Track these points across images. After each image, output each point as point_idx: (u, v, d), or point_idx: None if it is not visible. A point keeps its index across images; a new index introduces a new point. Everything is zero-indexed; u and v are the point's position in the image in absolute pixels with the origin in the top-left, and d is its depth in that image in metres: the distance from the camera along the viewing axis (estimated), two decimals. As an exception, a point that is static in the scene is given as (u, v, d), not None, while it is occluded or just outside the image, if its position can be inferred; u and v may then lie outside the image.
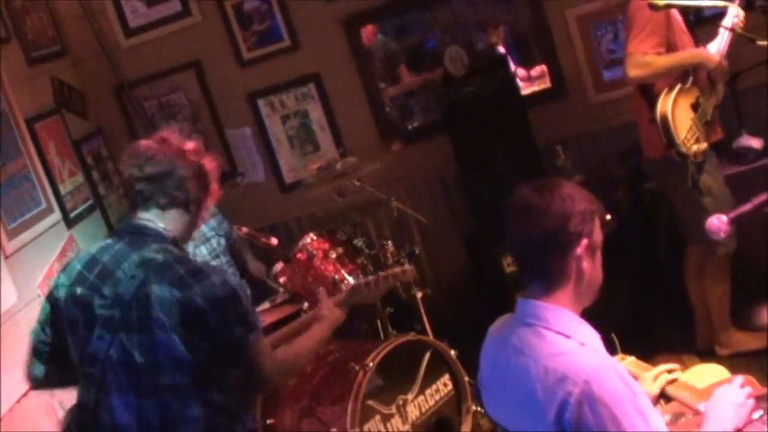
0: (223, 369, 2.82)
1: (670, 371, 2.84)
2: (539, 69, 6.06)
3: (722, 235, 2.95)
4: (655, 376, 2.84)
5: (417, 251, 4.94)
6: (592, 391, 2.17)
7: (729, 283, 4.74)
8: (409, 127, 6.15)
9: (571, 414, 2.18)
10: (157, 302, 2.73)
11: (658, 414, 2.42)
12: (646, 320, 5.07)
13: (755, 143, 5.10)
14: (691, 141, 4.32)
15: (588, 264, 2.37)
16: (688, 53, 4.38)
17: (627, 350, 3.30)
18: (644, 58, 4.26)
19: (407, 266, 4.10)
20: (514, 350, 2.38)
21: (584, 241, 2.34)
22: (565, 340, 2.31)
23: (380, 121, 5.96)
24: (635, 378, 2.86)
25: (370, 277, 3.81)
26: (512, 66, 5.94)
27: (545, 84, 5.90)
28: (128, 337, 2.76)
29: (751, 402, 2.50)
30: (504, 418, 2.48)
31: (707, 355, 4.74)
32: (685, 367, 2.96)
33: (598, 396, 2.17)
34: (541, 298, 2.39)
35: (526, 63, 6.15)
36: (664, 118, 4.28)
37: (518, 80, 5.92)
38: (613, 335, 3.44)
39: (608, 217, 4.56)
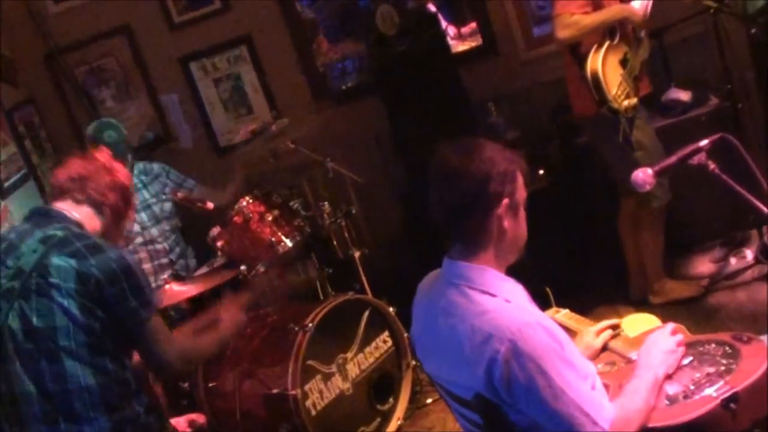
0: (120, 342, 2.88)
1: (614, 328, 2.88)
2: (470, 27, 6.05)
3: (647, 187, 2.98)
4: (599, 331, 2.88)
5: (353, 211, 4.96)
6: (518, 347, 2.20)
7: (663, 234, 4.82)
8: (343, 87, 6.11)
9: (500, 372, 2.21)
10: (54, 270, 2.81)
11: (589, 364, 2.46)
12: (580, 273, 5.15)
13: (684, 96, 5.16)
14: (622, 97, 4.36)
15: (509, 223, 2.39)
16: (613, 9, 4.40)
17: (562, 303, 3.36)
18: (571, 18, 4.28)
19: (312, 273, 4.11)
20: (442, 311, 2.40)
21: (505, 201, 2.36)
22: (490, 298, 2.34)
23: (313, 83, 5.93)
24: (572, 332, 2.93)
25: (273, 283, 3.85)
26: (443, 24, 5.92)
27: (476, 41, 5.90)
28: (27, 304, 2.82)
29: (682, 349, 2.55)
30: (437, 374, 2.51)
31: (641, 304, 4.82)
32: (619, 316, 3.01)
33: (525, 351, 2.20)
34: (465, 259, 2.41)
35: (457, 21, 6.12)
36: (595, 75, 4.31)
37: (449, 38, 5.91)
38: (547, 289, 3.49)
39: (541, 171, 4.65)
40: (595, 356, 2.81)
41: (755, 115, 5.45)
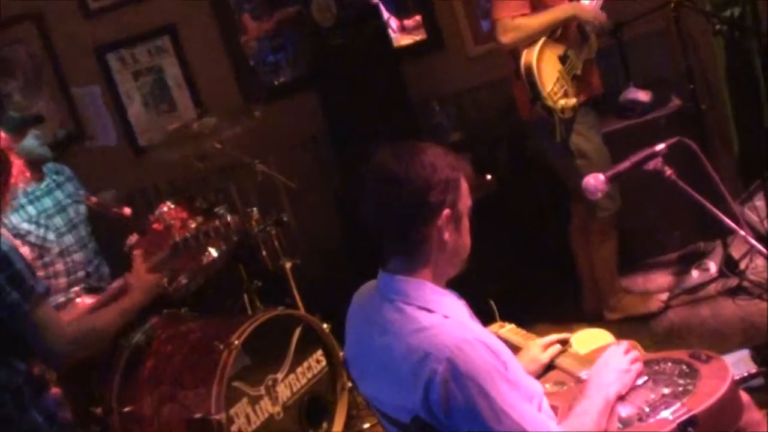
0: (5, 343, 2.83)
1: (563, 343, 2.91)
2: (414, 19, 6.07)
3: (599, 194, 3.03)
4: (546, 345, 2.91)
5: (285, 218, 4.93)
6: (456, 366, 2.20)
7: (615, 244, 4.86)
8: (275, 83, 6.10)
9: (438, 393, 2.21)
10: None
11: (536, 383, 2.48)
12: (529, 286, 5.20)
13: (642, 96, 5.22)
14: (558, 95, 4.38)
15: (450, 234, 2.40)
16: (559, 9, 4.43)
17: (508, 317, 3.37)
18: (513, 22, 4.32)
19: (226, 218, 4.06)
20: (378, 328, 2.41)
21: (446, 212, 2.37)
22: (427, 314, 2.34)
23: (243, 77, 5.91)
24: (517, 349, 2.95)
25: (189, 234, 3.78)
26: (384, 15, 5.94)
27: (420, 35, 5.92)
28: None
29: (636, 367, 2.58)
30: (374, 395, 2.51)
31: (596, 319, 4.87)
32: (571, 333, 3.04)
33: (464, 371, 2.20)
34: (401, 272, 2.42)
35: (400, 12, 6.14)
36: (529, 68, 4.33)
37: (391, 31, 5.92)
38: (492, 302, 3.51)
39: (488, 177, 4.68)
40: (540, 371, 2.84)
41: (719, 118, 5.54)
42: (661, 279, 5.22)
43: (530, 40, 4.37)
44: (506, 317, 3.38)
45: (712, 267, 5.08)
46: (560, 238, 5.02)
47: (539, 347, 2.91)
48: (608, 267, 4.90)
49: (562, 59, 4.45)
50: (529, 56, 4.33)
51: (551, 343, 2.92)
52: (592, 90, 4.65)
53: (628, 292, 5.01)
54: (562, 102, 4.37)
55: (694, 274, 5.12)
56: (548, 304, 5.17)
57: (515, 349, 2.96)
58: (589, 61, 4.60)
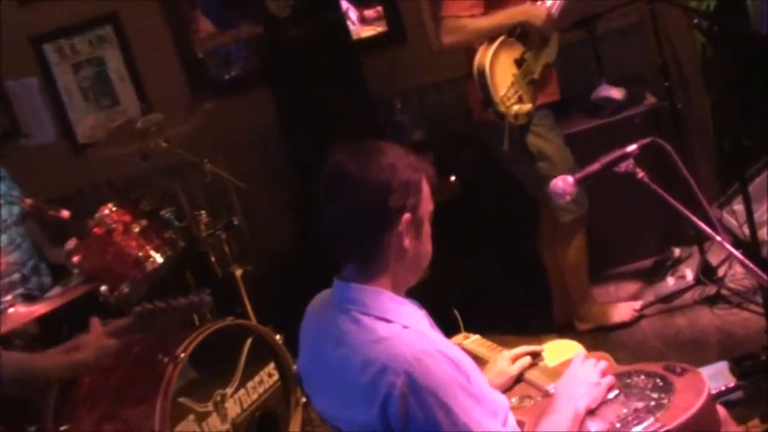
0: None
1: (534, 356, 2.94)
2: (375, 10, 6.08)
3: (568, 198, 3.05)
4: (515, 357, 2.93)
5: (236, 222, 4.92)
6: (415, 379, 2.20)
7: (584, 250, 4.89)
8: (226, 77, 6.07)
9: (396, 408, 2.21)
10: None
11: (501, 397, 2.50)
12: (497, 294, 5.24)
13: (616, 94, 5.25)
14: (512, 100, 4.38)
15: (411, 241, 2.40)
16: (510, 12, 4.43)
17: (474, 328, 3.39)
18: (458, 21, 4.34)
19: (205, 296, 4.08)
20: (333, 339, 2.41)
21: (406, 216, 2.37)
22: (385, 325, 2.34)
23: (191, 71, 5.90)
24: (482, 361, 2.97)
25: (159, 305, 3.77)
26: (343, 6, 5.95)
27: (381, 27, 5.93)
28: None
29: (607, 380, 2.61)
30: (328, 412, 2.51)
31: (566, 330, 4.93)
32: (540, 344, 3.07)
33: (424, 385, 2.20)
34: (358, 281, 2.42)
35: (360, 2, 6.16)
36: (481, 71, 4.32)
37: (350, 23, 5.93)
38: (456, 312, 3.51)
39: (452, 178, 4.69)
40: (508, 385, 2.86)
41: (697, 117, 5.60)
42: (634, 287, 5.27)
43: (471, 43, 4.40)
44: (471, 328, 3.39)
45: (689, 274, 5.14)
46: (528, 244, 5.06)
47: (507, 360, 2.93)
48: (577, 274, 4.94)
49: (519, 62, 4.44)
50: (483, 58, 4.32)
51: (520, 356, 2.94)
52: (549, 95, 4.66)
53: (599, 302, 5.05)
54: (515, 108, 4.38)
55: (670, 281, 5.18)
56: (516, 313, 5.19)
57: (481, 361, 2.98)
58: (549, 65, 4.60)
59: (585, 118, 5.21)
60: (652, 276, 5.29)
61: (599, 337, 4.80)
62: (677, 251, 5.36)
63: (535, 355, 2.95)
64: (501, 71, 4.36)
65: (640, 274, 5.36)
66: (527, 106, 4.42)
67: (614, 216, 5.22)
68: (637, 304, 5.00)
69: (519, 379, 2.90)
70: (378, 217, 2.36)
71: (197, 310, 3.89)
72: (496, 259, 5.29)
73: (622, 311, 4.96)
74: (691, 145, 5.41)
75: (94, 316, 3.61)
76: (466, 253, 5.00)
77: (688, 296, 4.99)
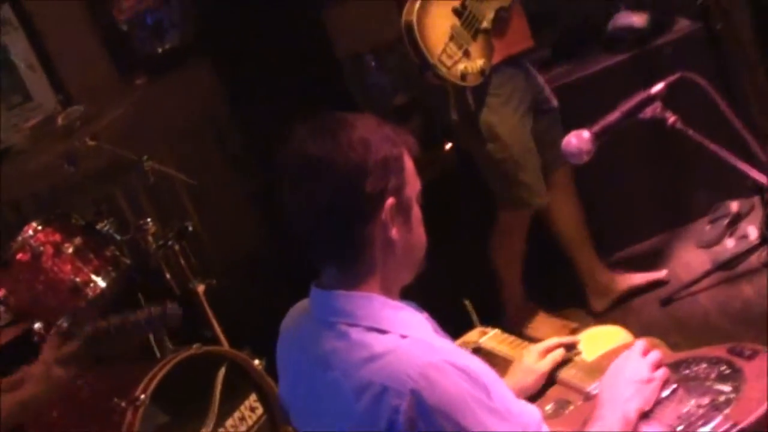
0: None
1: (569, 348, 2.95)
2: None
3: (585, 157, 3.03)
4: (545, 350, 2.95)
5: (190, 227, 4.90)
6: (423, 399, 2.19)
7: (523, 249, 5.02)
8: (159, 50, 6.07)
9: None
10: None
11: (530, 408, 2.50)
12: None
13: (638, 20, 5.21)
14: (455, 57, 4.39)
15: (399, 230, 2.38)
16: None
17: (491, 320, 3.41)
18: None
19: (171, 305, 4.09)
20: (317, 361, 2.40)
21: (389, 202, 2.34)
22: (379, 337, 2.32)
23: (115, 49, 5.89)
24: (504, 360, 2.98)
25: (113, 320, 3.76)
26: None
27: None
28: None
29: (661, 374, 2.60)
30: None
31: (601, 316, 5.01)
32: (573, 332, 3.07)
33: (434, 405, 2.19)
34: (340, 286, 2.40)
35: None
36: (409, 27, 4.35)
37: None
38: (466, 302, 3.53)
39: (447, 146, 4.70)
40: (539, 385, 2.88)
41: (740, 41, 5.58)
42: (688, 255, 5.29)
43: None
44: (487, 321, 3.41)
45: (752, 232, 5.12)
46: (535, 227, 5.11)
47: (536, 355, 2.94)
48: (511, 272, 5.07)
49: (458, 12, 4.43)
50: (409, 12, 4.34)
51: (552, 348, 2.95)
52: (514, 44, 4.65)
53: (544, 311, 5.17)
54: (461, 66, 4.37)
55: (729, 243, 5.18)
56: (540, 297, 5.25)
57: (504, 362, 3.00)
58: (505, 9, 4.55)
59: (602, 54, 5.20)
60: (707, 237, 5.29)
61: (647, 317, 4.85)
62: (734, 205, 5.34)
63: (570, 347, 2.96)
64: (434, 24, 4.36)
65: (691, 237, 5.40)
66: (477, 63, 4.41)
67: (650, 176, 5.30)
68: (661, 274, 5.10)
69: (552, 380, 2.91)
70: (355, 207, 2.33)
71: (163, 321, 3.90)
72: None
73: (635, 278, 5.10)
74: (735, 76, 5.39)
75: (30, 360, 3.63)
76: (471, 235, 5.03)
77: (754, 259, 4.95)
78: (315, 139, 2.33)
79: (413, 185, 2.42)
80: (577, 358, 2.94)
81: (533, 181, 4.68)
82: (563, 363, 2.94)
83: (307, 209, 2.35)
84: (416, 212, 2.44)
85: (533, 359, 2.93)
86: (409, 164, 2.41)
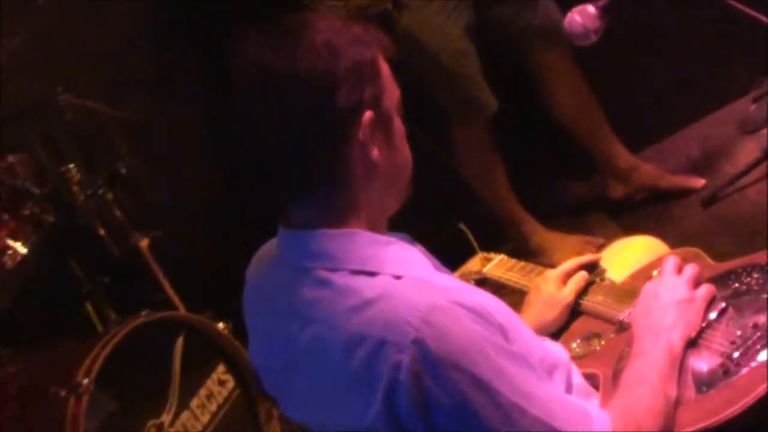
0: None
1: (590, 269, 2.97)
2: None
3: (593, 36, 3.05)
4: (564, 274, 2.98)
5: (123, 170, 4.88)
6: (430, 350, 2.17)
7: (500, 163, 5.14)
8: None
9: (407, 397, 2.19)
10: None
11: (555, 348, 2.49)
12: (516, 185, 5.33)
13: None
14: None
15: (381, 149, 2.37)
16: None
17: (494, 245, 3.41)
18: None
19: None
20: (295, 315, 2.40)
21: (367, 115, 2.33)
22: (368, 280, 2.32)
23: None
24: (516, 291, 2.98)
25: None
26: None
27: None
28: None
29: (704, 291, 2.61)
30: (306, 416, 2.52)
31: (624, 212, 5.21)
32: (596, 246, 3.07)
33: (442, 355, 2.17)
34: (316, 224, 2.39)
35: None
36: None
37: None
38: (462, 227, 3.52)
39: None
40: (564, 319, 2.92)
41: None
42: (730, 142, 5.30)
43: None
44: (489, 246, 3.40)
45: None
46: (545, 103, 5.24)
47: (554, 282, 2.96)
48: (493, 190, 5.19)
49: None
50: None
51: (572, 272, 2.97)
52: None
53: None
54: None
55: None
56: (545, 212, 5.42)
57: (515, 294, 3.00)
58: None
59: None
60: (750, 122, 5.29)
61: (687, 222, 4.92)
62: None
63: (593, 268, 2.97)
64: None
65: (731, 123, 5.40)
66: None
67: (676, 52, 5.36)
68: (701, 182, 5.15)
69: (576, 311, 2.92)
70: (327, 125, 2.31)
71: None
72: (506, 134, 5.36)
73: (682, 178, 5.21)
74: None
75: None
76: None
77: None
78: (270, 47, 2.32)
79: (391, 93, 2.42)
80: (601, 280, 2.94)
81: (475, 92, 4.83)
82: (586, 288, 2.95)
83: (269, 134, 2.34)
84: (398, 126, 2.45)
85: (553, 287, 2.95)
86: (385, 69, 2.41)
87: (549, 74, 5.08)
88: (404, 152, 2.47)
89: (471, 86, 4.82)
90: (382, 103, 2.38)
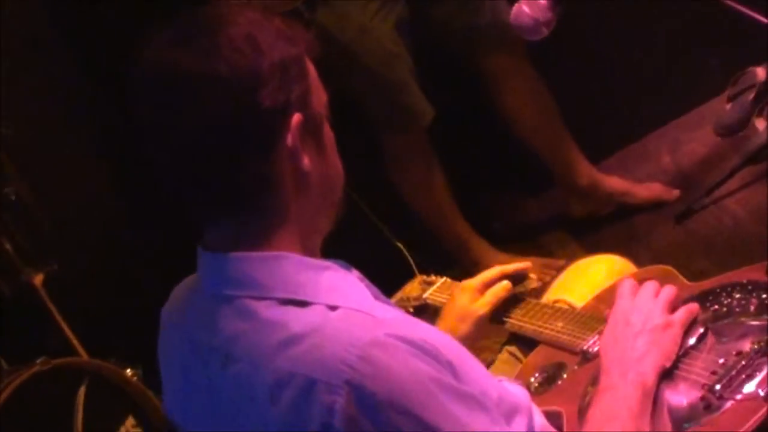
0: None
1: (516, 280, 2.98)
2: None
3: (544, 30, 3.07)
4: (484, 284, 3.00)
5: (12, 196, 4.86)
6: (366, 390, 2.14)
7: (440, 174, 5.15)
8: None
9: None
10: None
11: (515, 389, 2.48)
12: (465, 200, 5.37)
13: None
14: None
15: (312, 157, 2.34)
16: None
17: (434, 264, 3.39)
18: None
19: None
20: (215, 353, 2.37)
21: (296, 118, 2.29)
22: (298, 311, 2.28)
23: None
24: (460, 318, 2.96)
25: None
26: None
27: None
28: None
29: (681, 315, 2.60)
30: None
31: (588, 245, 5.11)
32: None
33: (383, 398, 2.14)
34: (238, 246, 2.36)
35: None
36: None
37: None
38: (400, 245, 3.52)
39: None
40: (479, 334, 2.95)
41: None
42: (704, 148, 5.33)
43: None
44: (430, 264, 3.39)
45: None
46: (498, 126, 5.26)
47: (470, 292, 2.99)
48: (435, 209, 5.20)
49: None
50: None
51: (492, 281, 2.99)
52: None
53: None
54: None
55: (760, 125, 5.16)
56: (496, 231, 5.48)
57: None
58: None
59: None
60: (727, 123, 5.29)
61: (658, 240, 4.94)
62: (761, 72, 5.32)
63: (520, 278, 3.00)
64: None
65: (705, 124, 5.37)
66: None
67: (641, 46, 5.43)
68: (674, 193, 5.19)
69: (500, 324, 2.96)
70: (251, 131, 2.27)
71: None
72: (450, 145, 5.40)
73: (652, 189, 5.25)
74: None
75: None
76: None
77: None
78: (182, 44, 2.28)
79: (319, 96, 2.40)
80: (529, 293, 3.00)
81: (408, 98, 4.85)
82: (514, 302, 2.97)
83: (184, 145, 2.30)
84: (328, 132, 2.43)
85: (467, 299, 2.96)
86: (311, 68, 2.38)
87: (500, 79, 5.10)
88: (336, 162, 2.44)
89: (402, 92, 4.83)
90: (311, 106, 2.35)
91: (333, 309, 2.28)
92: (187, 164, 2.32)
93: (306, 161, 2.31)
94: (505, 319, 2.94)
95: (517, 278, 2.97)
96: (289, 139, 2.28)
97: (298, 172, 2.32)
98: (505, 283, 2.95)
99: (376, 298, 2.46)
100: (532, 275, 2.99)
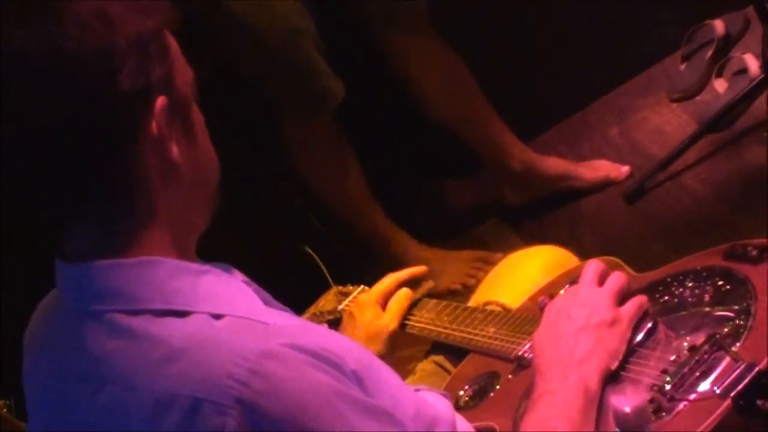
0: None
1: (414, 284, 3.09)
2: None
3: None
4: (381, 296, 3.11)
5: None
6: (260, 410, 2.12)
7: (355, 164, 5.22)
8: None
9: None
10: None
11: (435, 400, 2.53)
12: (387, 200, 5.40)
13: None
14: None
15: (181, 144, 2.31)
16: None
17: (350, 269, 3.45)
18: None
19: None
20: (84, 377, 2.33)
21: (160, 101, 2.25)
22: (177, 322, 2.25)
23: None
24: (369, 338, 3.02)
25: None
26: None
27: None
28: None
29: (630, 308, 2.63)
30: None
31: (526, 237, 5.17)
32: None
33: (278, 414, 2.12)
34: (100, 253, 2.31)
35: None
36: None
37: None
38: (308, 250, 3.52)
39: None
40: (390, 350, 3.01)
41: None
42: (657, 115, 5.39)
43: None
44: (348, 270, 3.45)
45: (752, 63, 5.11)
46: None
47: (372, 307, 3.07)
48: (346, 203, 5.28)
49: None
50: None
51: (389, 291, 3.08)
52: None
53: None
54: None
55: (719, 86, 5.21)
56: (423, 225, 5.50)
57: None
58: None
59: None
60: (682, 86, 5.34)
61: (606, 224, 5.01)
62: (718, 26, 5.34)
63: (417, 282, 3.09)
64: None
65: (657, 89, 5.48)
66: None
67: (590, 10, 5.48)
68: (623, 170, 5.24)
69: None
70: (108, 119, 2.21)
71: None
72: (364, 129, 5.47)
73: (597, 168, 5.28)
74: None
75: None
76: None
77: (761, 107, 4.97)
78: (20, 24, 2.18)
79: (184, 74, 2.35)
80: (431, 295, 3.08)
81: (314, 78, 4.91)
82: (414, 306, 3.05)
83: (27, 141, 2.23)
84: (197, 116, 2.39)
85: (371, 315, 3.03)
86: (172, 42, 2.34)
87: (412, 60, 5.16)
88: (208, 149, 2.42)
89: (309, 71, 4.87)
90: (176, 87, 2.32)
91: (217, 318, 2.25)
92: (34, 163, 2.25)
93: (174, 150, 2.29)
94: (406, 322, 3.02)
95: (412, 283, 3.05)
96: (154, 127, 2.24)
97: (165, 163, 2.29)
98: (405, 290, 3.02)
99: (267, 303, 2.42)
100: (427, 276, 3.07)
